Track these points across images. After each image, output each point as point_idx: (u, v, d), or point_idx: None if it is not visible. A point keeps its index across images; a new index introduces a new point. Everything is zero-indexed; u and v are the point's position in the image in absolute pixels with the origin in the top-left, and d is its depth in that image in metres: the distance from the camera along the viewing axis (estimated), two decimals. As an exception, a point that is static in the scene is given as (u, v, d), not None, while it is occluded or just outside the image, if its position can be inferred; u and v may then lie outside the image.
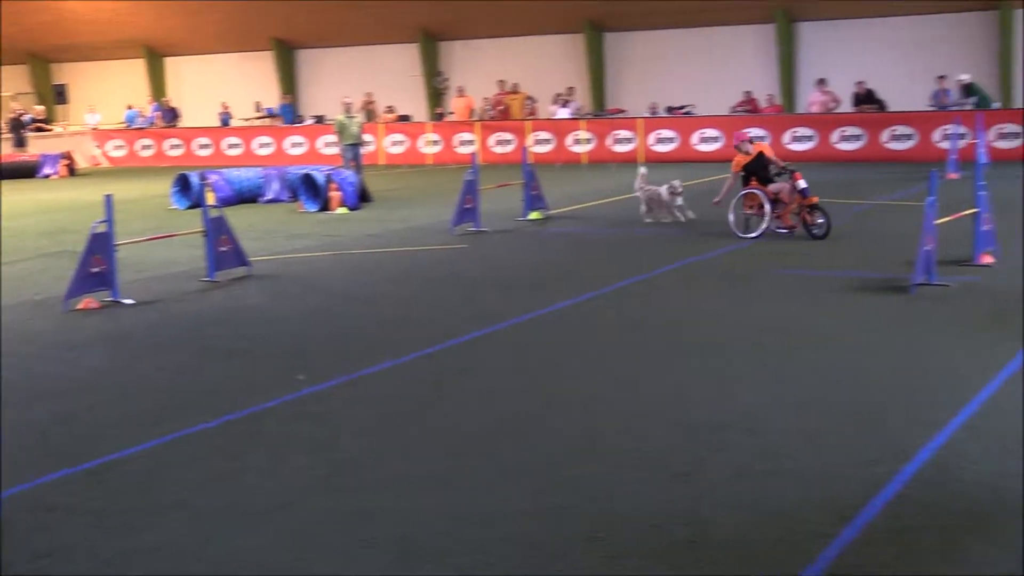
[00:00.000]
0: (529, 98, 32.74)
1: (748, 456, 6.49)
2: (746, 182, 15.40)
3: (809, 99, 29.38)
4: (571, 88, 33.11)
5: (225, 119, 36.29)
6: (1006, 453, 6.33)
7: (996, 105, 27.45)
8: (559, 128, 30.88)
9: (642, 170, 17.87)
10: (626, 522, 5.56)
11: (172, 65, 41.22)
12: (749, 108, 29.88)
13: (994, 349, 8.65)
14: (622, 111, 32.40)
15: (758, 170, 15.38)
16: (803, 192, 14.91)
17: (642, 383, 8.14)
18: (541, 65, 35.05)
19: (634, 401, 7.69)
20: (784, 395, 7.69)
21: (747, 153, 15.58)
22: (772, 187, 15.20)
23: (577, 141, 30.46)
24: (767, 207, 14.96)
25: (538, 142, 30.81)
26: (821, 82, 28.84)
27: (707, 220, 16.67)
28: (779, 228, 15.21)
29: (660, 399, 7.71)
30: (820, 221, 14.90)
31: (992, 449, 6.42)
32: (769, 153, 15.67)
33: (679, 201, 17.15)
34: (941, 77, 27.47)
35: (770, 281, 12.04)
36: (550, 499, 5.90)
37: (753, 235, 14.99)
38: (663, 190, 17.19)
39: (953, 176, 21.77)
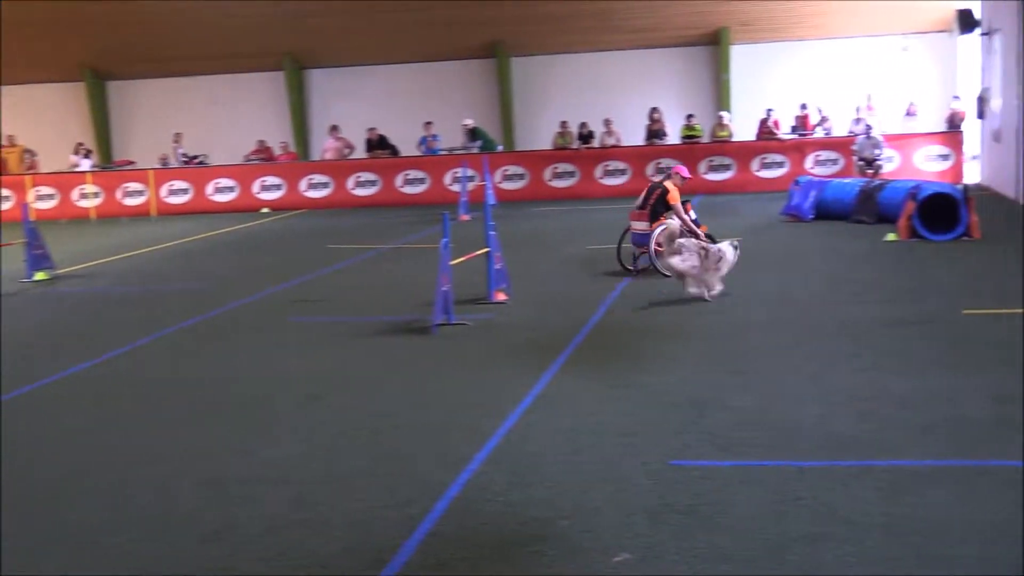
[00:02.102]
0: (28, 151, 30.83)
1: (281, 507, 6.50)
2: (654, 216, 14.37)
3: (323, 146, 29.80)
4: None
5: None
6: (527, 483, 6.78)
7: (500, 148, 29.34)
8: (63, 182, 29.32)
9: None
10: (158, 595, 5.37)
11: None
12: (264, 156, 29.88)
13: (512, 382, 9.25)
14: (131, 163, 31.33)
15: (642, 202, 14.65)
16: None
17: (166, 444, 7.90)
18: (40, 117, 33.20)
19: (162, 463, 7.45)
20: (314, 443, 7.77)
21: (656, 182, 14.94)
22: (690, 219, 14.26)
23: (84, 195, 29.07)
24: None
25: (40, 197, 29.06)
26: (334, 129, 29.34)
27: (232, 275, 16.51)
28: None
29: (187, 459, 7.53)
30: None
31: (515, 479, 6.85)
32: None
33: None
34: (428, 123, 28.87)
35: (289, 330, 12.13)
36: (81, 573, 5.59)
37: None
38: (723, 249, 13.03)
39: (465, 218, 23.01)
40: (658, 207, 14.44)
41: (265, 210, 28.15)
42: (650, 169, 26.61)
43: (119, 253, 20.29)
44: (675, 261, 12.65)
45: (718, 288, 12.74)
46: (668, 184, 14.61)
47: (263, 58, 32.42)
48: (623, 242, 15.34)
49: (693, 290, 12.63)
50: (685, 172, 15.13)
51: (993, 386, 8.40)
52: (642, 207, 14.66)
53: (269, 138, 30.89)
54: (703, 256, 12.64)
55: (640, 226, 14.73)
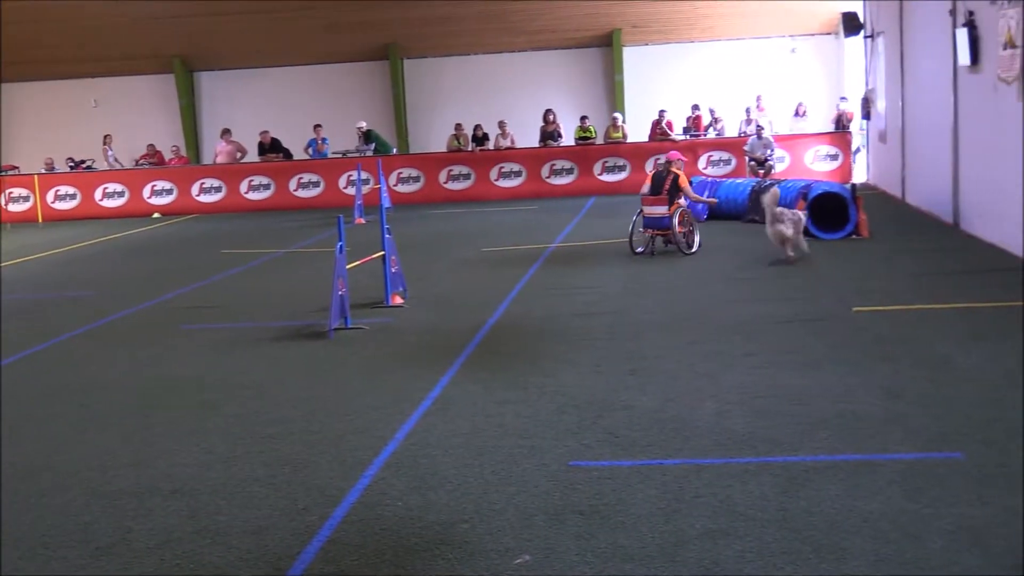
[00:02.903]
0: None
1: (176, 519, 6.38)
2: (671, 200, 16.09)
3: (215, 150, 29.42)
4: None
5: None
6: (426, 487, 6.76)
7: (394, 151, 29.25)
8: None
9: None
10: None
11: None
12: (154, 161, 29.37)
13: (410, 386, 9.22)
14: (15, 168, 30.53)
15: (655, 187, 16.27)
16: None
17: (57, 455, 7.71)
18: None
19: (52, 474, 7.26)
20: (210, 452, 7.65)
21: (661, 167, 16.63)
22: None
23: (-38, 201, 28.26)
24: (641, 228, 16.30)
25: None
26: (226, 132, 29.00)
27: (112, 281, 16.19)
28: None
29: (78, 470, 7.35)
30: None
31: (414, 484, 6.82)
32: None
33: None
34: (317, 126, 28.55)
35: (182, 337, 11.94)
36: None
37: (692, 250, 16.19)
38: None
39: (360, 221, 22.89)
40: (672, 192, 16.10)
41: (156, 215, 27.70)
42: (545, 171, 26.78)
43: (6, 261, 19.75)
44: (781, 228, 14.75)
45: (805, 248, 14.93)
46: (675, 169, 16.30)
47: (152, 60, 31.90)
48: (635, 228, 16.66)
49: (791, 253, 14.73)
50: (682, 156, 17.32)
51: (883, 381, 8.61)
52: (658, 192, 16.17)
53: (159, 142, 30.42)
54: (796, 222, 14.83)
55: (659, 210, 16.18)
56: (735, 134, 27.07)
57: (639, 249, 16.33)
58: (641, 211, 16.41)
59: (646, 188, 16.42)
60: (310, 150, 28.40)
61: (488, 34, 30.73)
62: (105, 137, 29.98)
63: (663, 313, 11.90)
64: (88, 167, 29.54)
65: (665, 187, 16.09)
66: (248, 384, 9.65)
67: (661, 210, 16.14)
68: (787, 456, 6.96)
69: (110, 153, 29.80)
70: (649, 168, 26.31)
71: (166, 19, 30.01)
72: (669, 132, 27.00)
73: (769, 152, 24.24)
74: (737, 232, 18.41)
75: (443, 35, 30.82)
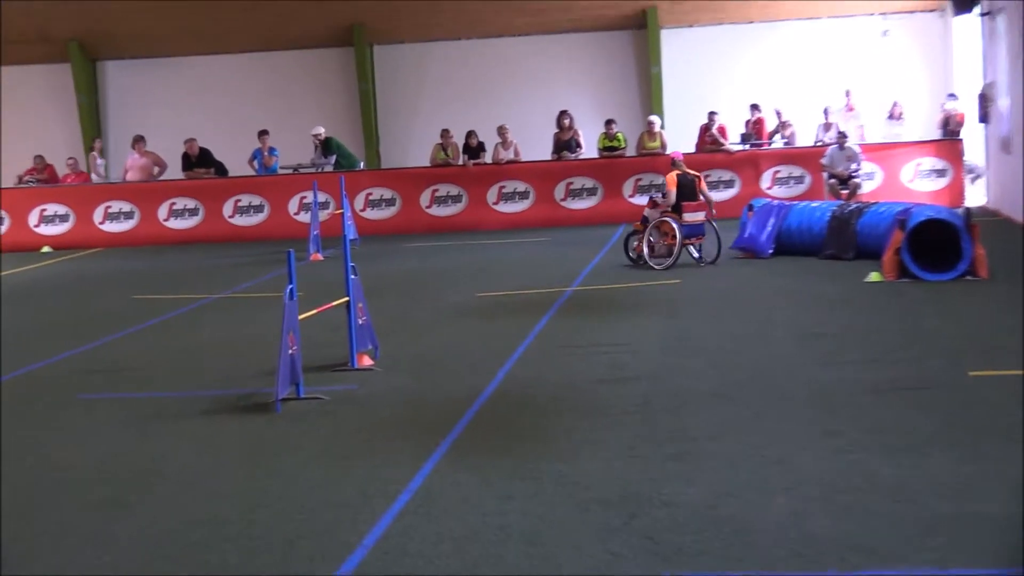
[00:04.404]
0: None
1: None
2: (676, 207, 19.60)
3: (125, 163, 29.30)
4: None
5: None
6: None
7: (361, 165, 29.30)
8: None
9: None
10: None
11: None
12: (44, 177, 29.35)
13: (384, 475, 9.15)
14: None
15: (689, 192, 19.83)
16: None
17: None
18: None
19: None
20: (116, 568, 7.59)
21: (678, 169, 20.07)
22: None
23: None
24: (679, 237, 19.36)
25: None
26: (139, 140, 28.90)
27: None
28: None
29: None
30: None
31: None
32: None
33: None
34: (263, 133, 28.38)
35: (79, 410, 11.90)
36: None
37: (667, 265, 19.28)
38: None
39: (317, 257, 22.92)
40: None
41: (46, 249, 27.78)
42: (560, 192, 26.84)
43: None
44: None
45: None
46: (693, 172, 20.19)
47: (40, 46, 32.03)
48: (632, 239, 20.33)
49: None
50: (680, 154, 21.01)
51: (1011, 470, 8.55)
52: (694, 198, 19.85)
53: (50, 153, 30.40)
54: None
55: (700, 217, 19.88)
56: (809, 143, 27.16)
57: (660, 263, 19.43)
58: (673, 220, 19.44)
59: (671, 197, 19.68)
60: (255, 163, 28.47)
61: (484, 13, 30.95)
62: (95, 141, 29.88)
63: (715, 378, 11.86)
64: (-46, 186, 29.58)
65: (701, 191, 19.99)
66: (168, 473, 9.59)
67: (701, 216, 19.84)
68: (886, 570, 6.90)
69: (99, 161, 29.68)
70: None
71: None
72: (722, 141, 27.07)
73: (855, 167, 24.30)
74: (813, 271, 18.41)
75: (424, 13, 31.01)
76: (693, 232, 19.74)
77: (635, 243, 20.12)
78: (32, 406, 12.23)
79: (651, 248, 19.64)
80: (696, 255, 19.90)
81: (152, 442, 10.62)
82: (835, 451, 9.25)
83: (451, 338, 14.78)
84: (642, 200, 26.61)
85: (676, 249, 19.35)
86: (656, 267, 19.32)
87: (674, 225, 19.40)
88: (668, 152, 26.96)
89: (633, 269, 19.61)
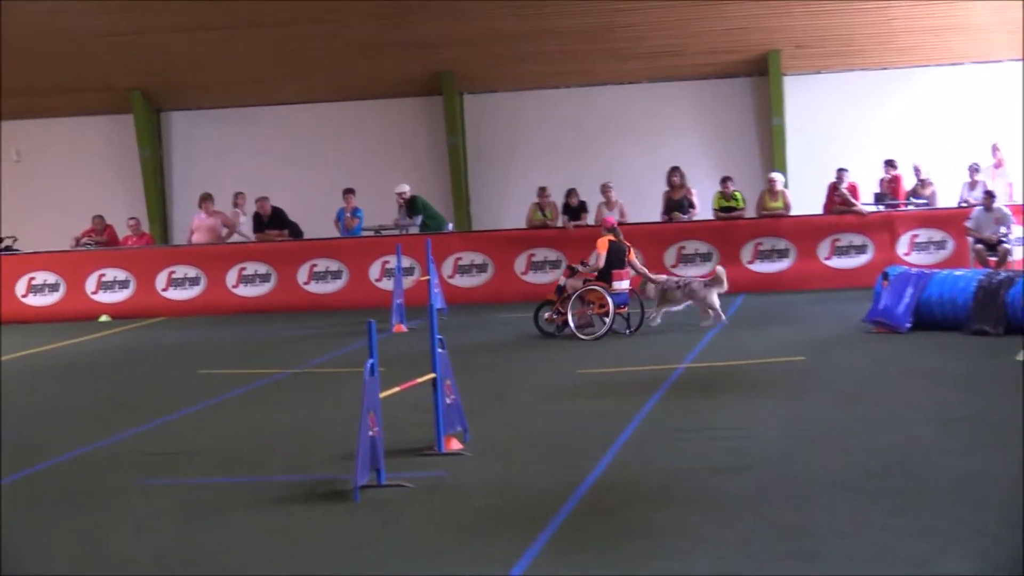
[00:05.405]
0: None
1: None
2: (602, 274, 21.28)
3: (191, 224, 29.47)
4: None
5: None
6: None
7: (450, 227, 29.30)
8: None
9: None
10: None
11: None
12: (103, 239, 29.48)
13: (472, 572, 9.16)
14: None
15: (619, 260, 21.50)
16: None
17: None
18: None
19: None
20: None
21: (613, 235, 21.74)
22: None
23: None
24: (611, 305, 20.94)
25: None
26: (207, 199, 29.01)
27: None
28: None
29: None
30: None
31: None
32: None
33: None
34: (348, 192, 28.50)
35: (138, 498, 11.99)
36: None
37: (598, 335, 20.94)
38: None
39: (401, 328, 23.05)
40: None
41: (104, 318, 28.10)
42: (670, 257, 26.80)
43: None
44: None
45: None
46: (625, 240, 22.04)
47: (101, 95, 32.44)
48: (544, 309, 21.85)
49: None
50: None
51: None
52: (623, 266, 21.61)
53: (110, 212, 30.73)
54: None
55: (626, 285, 21.78)
56: (952, 204, 26.93)
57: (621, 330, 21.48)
58: (603, 288, 21.19)
59: (600, 261, 21.39)
60: (339, 225, 28.64)
61: (587, 58, 31.03)
62: (237, 196, 29.72)
63: (844, 468, 11.75)
64: (8, 248, 29.93)
65: (630, 259, 21.83)
66: (233, 569, 9.65)
67: (627, 284, 21.79)
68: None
69: (241, 217, 29.53)
70: (824, 254, 26.25)
71: (123, 36, 30.56)
72: (853, 201, 26.91)
73: (1004, 230, 24.07)
74: (956, 348, 18.23)
75: (520, 60, 31.10)
76: (621, 301, 21.50)
77: (546, 314, 21.46)
78: (87, 491, 12.35)
79: (576, 318, 21.19)
80: (626, 326, 21.65)
81: (216, 534, 10.69)
82: (982, 554, 9.13)
83: (549, 420, 14.77)
84: (764, 266, 26.61)
85: (610, 318, 21.05)
86: (585, 338, 20.95)
87: (605, 293, 21.12)
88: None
89: (747, 342, 19.54)
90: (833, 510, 10.41)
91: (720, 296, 21.76)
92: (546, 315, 21.47)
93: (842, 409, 14.44)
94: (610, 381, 17.04)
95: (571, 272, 21.81)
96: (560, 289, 21.56)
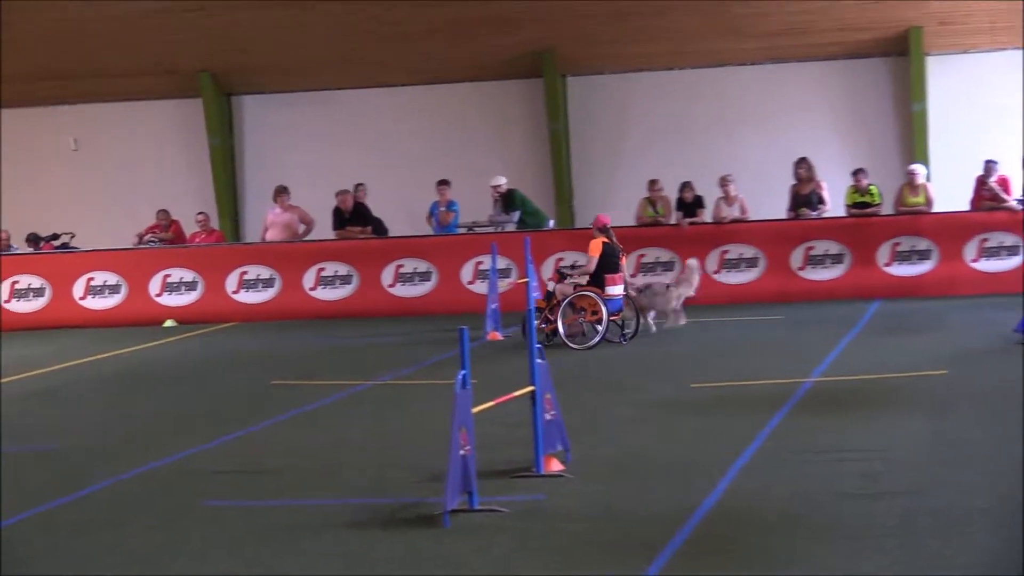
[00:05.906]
0: None
1: None
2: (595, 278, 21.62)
3: (265, 219, 29.59)
4: None
5: None
6: None
7: (551, 223, 29.34)
8: None
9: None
10: None
11: None
12: (169, 236, 29.63)
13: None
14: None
15: (614, 263, 21.83)
16: None
17: None
18: None
19: None
20: None
21: (606, 236, 22.04)
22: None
23: None
24: (604, 312, 21.36)
25: None
26: (282, 192, 29.13)
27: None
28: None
29: None
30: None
31: None
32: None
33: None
34: (443, 183, 28.67)
35: (205, 520, 12.08)
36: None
37: (590, 345, 21.41)
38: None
39: (496, 336, 23.11)
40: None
41: (170, 323, 28.37)
42: (797, 259, 26.64)
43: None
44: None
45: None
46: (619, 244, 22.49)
47: (166, 78, 32.73)
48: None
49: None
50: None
51: None
52: (617, 270, 22.01)
53: (176, 206, 30.97)
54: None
55: (620, 290, 21.98)
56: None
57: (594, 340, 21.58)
58: (596, 295, 21.53)
59: (592, 264, 21.66)
60: (432, 220, 28.70)
61: (703, 37, 30.93)
62: (357, 186, 29.70)
63: (995, 495, 11.63)
64: (64, 245, 30.21)
65: (623, 261, 22.35)
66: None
67: (621, 289, 22.05)
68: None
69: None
70: (970, 256, 25.97)
71: (188, 15, 30.78)
72: (1004, 196, 26.62)
73: None
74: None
75: (630, 38, 31.03)
76: (615, 307, 21.95)
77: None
78: (149, 512, 12.46)
79: (567, 326, 21.75)
80: (620, 334, 22.21)
81: (289, 560, 10.74)
82: None
83: (659, 439, 14.75)
84: (903, 269, 26.38)
85: (603, 327, 21.50)
86: (576, 347, 21.54)
87: (598, 300, 21.59)
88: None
89: (883, 353, 19.44)
90: (980, 542, 10.31)
91: (696, 291, 23.39)
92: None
93: (992, 428, 14.31)
94: (728, 396, 16.98)
95: (560, 277, 22.11)
96: (549, 295, 21.86)
